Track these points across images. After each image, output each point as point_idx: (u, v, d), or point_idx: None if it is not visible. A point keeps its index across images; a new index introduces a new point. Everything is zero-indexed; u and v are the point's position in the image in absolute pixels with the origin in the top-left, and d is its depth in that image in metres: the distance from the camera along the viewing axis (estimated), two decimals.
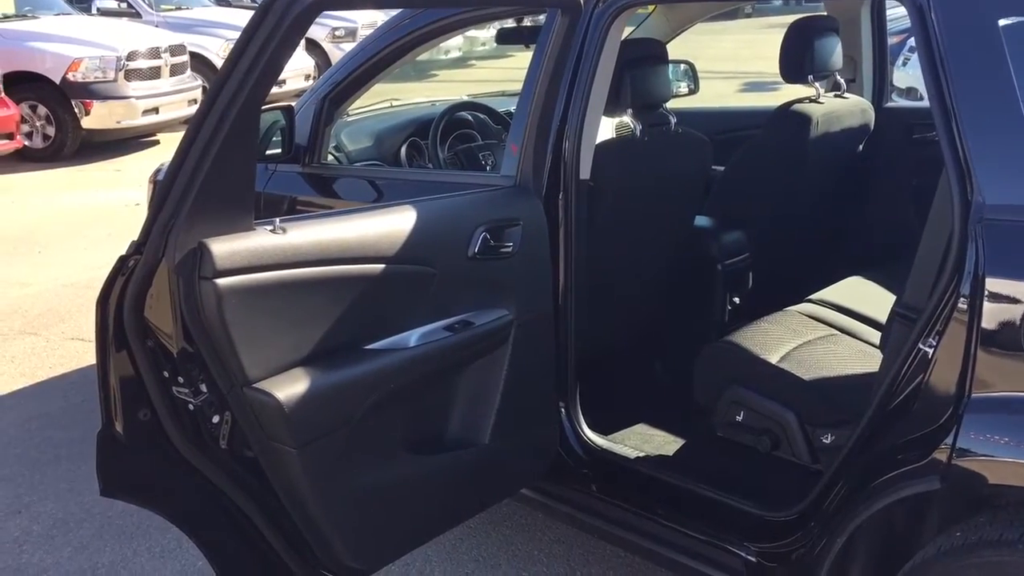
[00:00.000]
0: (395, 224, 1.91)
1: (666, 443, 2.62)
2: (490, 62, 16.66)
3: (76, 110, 8.89)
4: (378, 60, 2.87)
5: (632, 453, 2.46)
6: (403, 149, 3.24)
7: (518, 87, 4.42)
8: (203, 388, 1.72)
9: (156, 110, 9.44)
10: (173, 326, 1.66)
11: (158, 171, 3.76)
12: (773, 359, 2.36)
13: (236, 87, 1.62)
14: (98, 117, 8.99)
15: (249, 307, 1.65)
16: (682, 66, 3.89)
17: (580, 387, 2.48)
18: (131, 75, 9.22)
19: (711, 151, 2.81)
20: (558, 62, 2.21)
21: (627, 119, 2.57)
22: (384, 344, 1.89)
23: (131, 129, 9.40)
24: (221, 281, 1.62)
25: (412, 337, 1.94)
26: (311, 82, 10.35)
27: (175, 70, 9.85)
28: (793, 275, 3.18)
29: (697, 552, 2.21)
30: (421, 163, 3.27)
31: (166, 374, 1.73)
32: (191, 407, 1.73)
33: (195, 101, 10.12)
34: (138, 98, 9.20)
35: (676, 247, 2.89)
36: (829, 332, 2.54)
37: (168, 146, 9.64)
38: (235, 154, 1.65)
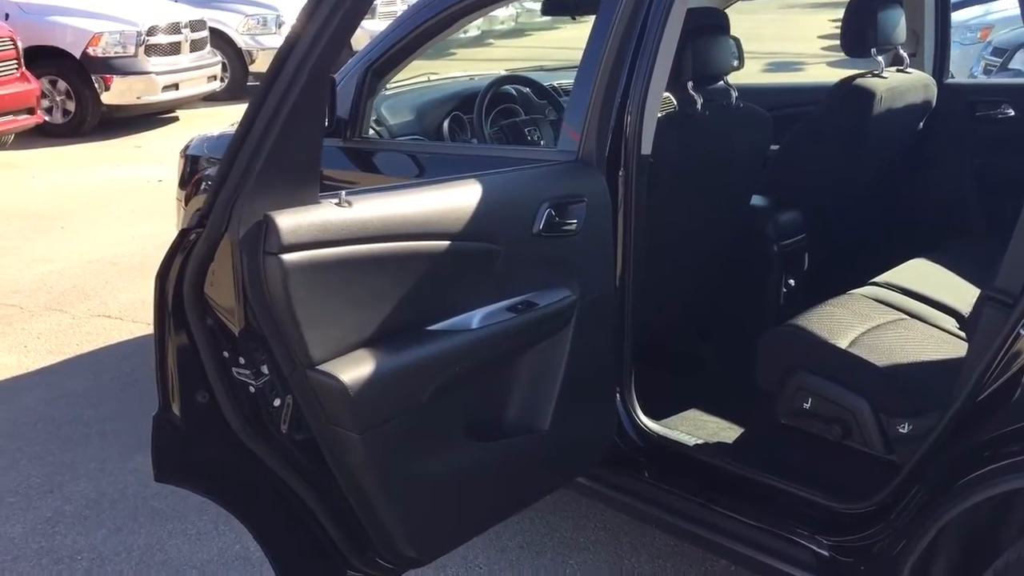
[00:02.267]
0: (460, 199, 1.82)
1: (723, 430, 2.52)
2: (509, 40, 16.48)
3: (96, 85, 8.82)
4: (425, 29, 2.76)
5: (689, 440, 2.37)
6: (446, 123, 3.13)
7: (548, 62, 4.37)
8: (264, 370, 1.63)
9: (176, 86, 9.37)
10: (235, 304, 1.57)
11: (188, 146, 3.67)
12: (842, 344, 2.26)
13: (304, 52, 1.52)
14: (118, 92, 8.91)
15: (314, 284, 1.56)
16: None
17: (634, 371, 2.39)
18: (151, 50, 9.13)
19: (771, 128, 2.70)
20: (627, 31, 2.10)
21: (689, 92, 2.45)
22: (447, 325, 1.80)
23: (151, 105, 9.33)
24: (287, 256, 1.52)
25: (475, 318, 1.84)
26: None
27: (195, 46, 9.76)
28: (850, 257, 3.08)
29: (761, 543, 2.12)
30: (464, 138, 3.17)
31: (226, 355, 1.64)
32: (252, 389, 1.64)
33: (215, 78, 10.04)
34: (158, 74, 9.12)
35: (732, 227, 2.79)
36: (898, 316, 2.43)
37: (188, 123, 9.56)
38: (303, 123, 1.55)
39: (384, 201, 1.70)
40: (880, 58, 2.90)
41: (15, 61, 7.94)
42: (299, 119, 1.55)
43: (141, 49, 9.07)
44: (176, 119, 9.90)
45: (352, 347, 1.64)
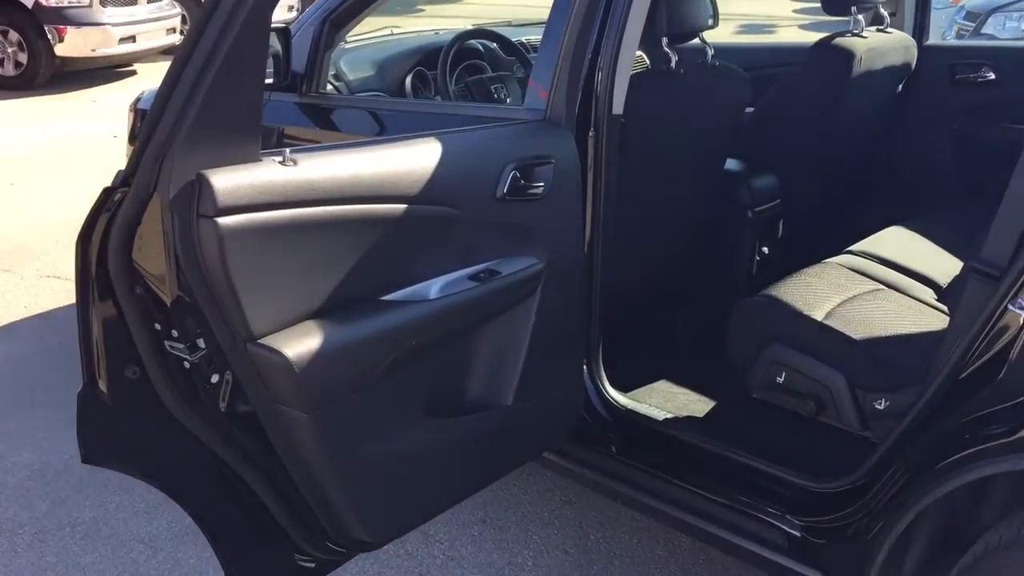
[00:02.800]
0: (418, 159, 1.69)
1: (694, 403, 2.44)
2: None
3: (49, 36, 8.51)
4: None
5: (658, 414, 2.28)
6: (408, 79, 2.98)
7: (523, 16, 4.21)
8: (200, 343, 1.50)
9: (133, 38, 9.05)
10: (166, 271, 1.43)
11: (139, 99, 3.49)
12: (818, 316, 2.17)
13: None
14: (72, 44, 8.60)
15: (255, 250, 1.43)
16: None
17: (602, 342, 2.29)
18: (107, 1, 8.81)
19: (749, 87, 2.58)
20: None
21: (664, 49, 2.32)
22: (404, 295, 1.68)
23: (107, 58, 9.02)
24: (223, 220, 1.39)
25: (434, 287, 1.72)
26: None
27: None
28: (826, 224, 2.99)
29: (731, 522, 2.04)
30: (427, 95, 3.02)
31: (158, 326, 1.51)
32: (186, 364, 1.51)
33: (174, 30, 9.72)
34: (114, 25, 8.80)
35: (705, 191, 2.68)
36: (875, 287, 2.35)
37: (145, 76, 9.26)
38: (241, 72, 1.41)
39: (334, 160, 1.57)
40: (860, 16, 2.79)
41: None
42: (236, 66, 1.40)
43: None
44: (134, 73, 9.60)
45: (297, 319, 1.52)
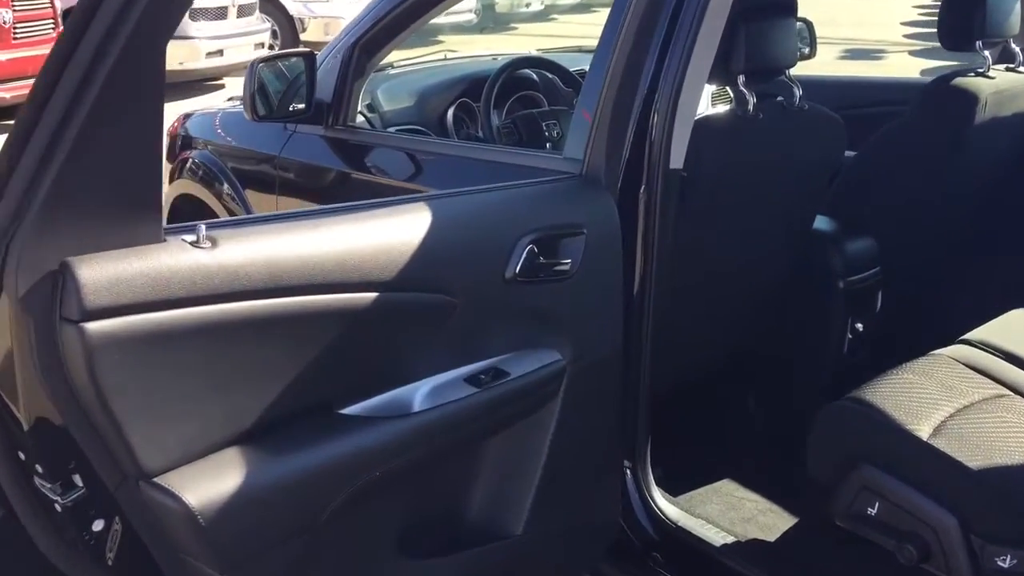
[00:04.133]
0: (398, 233, 1.33)
1: (762, 519, 2.01)
2: (576, 16, 15.87)
3: None
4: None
5: (716, 536, 1.86)
6: (450, 112, 2.63)
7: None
8: (77, 480, 1.16)
9: (221, 52, 9.02)
10: (22, 389, 1.09)
11: (187, 117, 3.23)
12: (924, 431, 1.71)
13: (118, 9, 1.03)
14: None
15: (144, 363, 1.08)
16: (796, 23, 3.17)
17: (652, 436, 1.88)
18: (195, 14, 8.79)
19: (844, 137, 2.14)
20: (649, 8, 1.58)
21: (740, 88, 1.91)
22: (373, 407, 1.31)
23: (194, 72, 8.98)
24: (94, 325, 1.03)
25: (418, 394, 1.35)
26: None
27: (243, 11, 9.40)
28: (934, 301, 2.51)
29: None
30: (472, 130, 2.66)
31: (23, 456, 1.17)
32: (58, 508, 1.17)
33: (262, 45, 9.67)
34: (201, 39, 8.77)
35: (787, 257, 2.25)
36: (998, 391, 1.87)
37: (234, 90, 9.20)
38: (125, 116, 1.06)
39: (273, 238, 1.21)
40: (987, 52, 2.32)
41: (51, 21, 7.63)
42: (116, 110, 1.05)
43: (186, 12, 8.73)
44: (222, 86, 9.56)
45: (209, 448, 1.16)
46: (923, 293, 2.48)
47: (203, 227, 1.14)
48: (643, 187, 1.71)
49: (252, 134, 2.74)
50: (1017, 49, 2.43)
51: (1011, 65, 2.42)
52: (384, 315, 1.29)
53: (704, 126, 1.80)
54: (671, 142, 1.70)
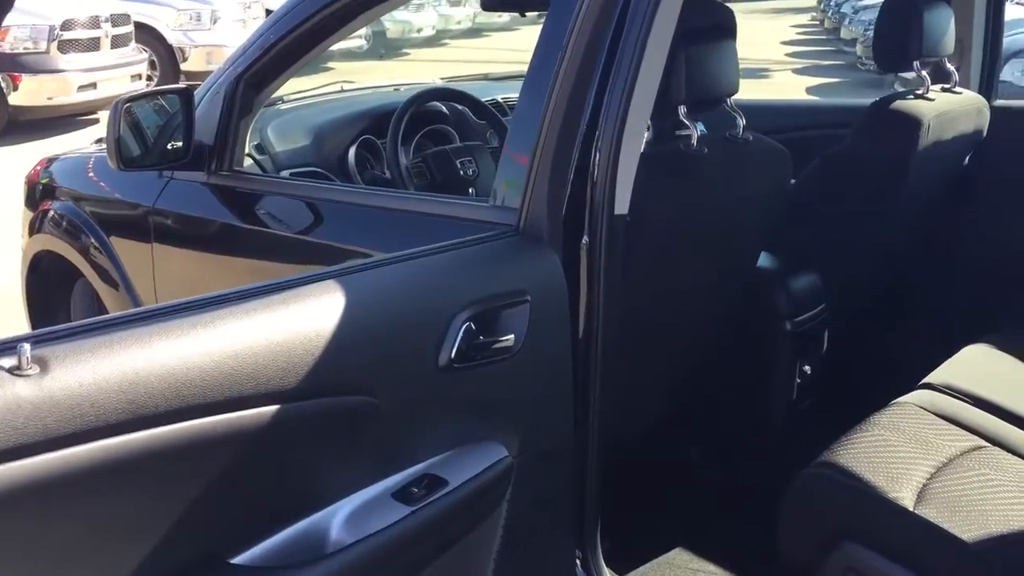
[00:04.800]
0: (296, 325, 1.06)
1: None
2: (468, 41, 15.75)
3: (3, 84, 7.94)
4: (316, 24, 1.99)
5: None
6: (352, 151, 2.36)
7: (499, 69, 3.62)
8: None
9: (94, 85, 8.48)
10: None
11: (51, 162, 2.86)
12: (907, 497, 1.53)
13: None
14: (27, 92, 8.07)
15: None
16: None
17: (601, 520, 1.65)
18: (66, 46, 8.27)
19: (790, 167, 1.96)
20: (592, 36, 1.37)
21: (682, 119, 1.71)
22: (276, 550, 1.03)
23: (64, 107, 8.43)
24: None
25: (335, 522, 1.09)
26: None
27: (117, 42, 8.88)
28: (881, 336, 2.37)
29: None
30: (378, 171, 2.40)
31: None
32: None
33: (139, 76, 9.17)
34: (73, 72, 8.24)
35: (734, 299, 2.06)
36: (974, 443, 1.71)
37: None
38: None
39: (124, 352, 0.92)
40: (924, 73, 2.19)
41: None
42: None
43: (54, 45, 8.23)
44: (96, 121, 9.00)
45: None
46: (870, 329, 2.34)
47: (26, 347, 0.85)
48: (585, 237, 1.48)
49: (123, 182, 2.41)
50: (952, 68, 2.31)
51: (946, 85, 2.31)
52: (285, 432, 1.02)
53: (647, 165, 1.59)
54: (615, 185, 1.48)
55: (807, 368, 2.18)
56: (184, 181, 2.20)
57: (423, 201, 1.82)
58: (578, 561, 1.62)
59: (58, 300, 2.90)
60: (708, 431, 2.27)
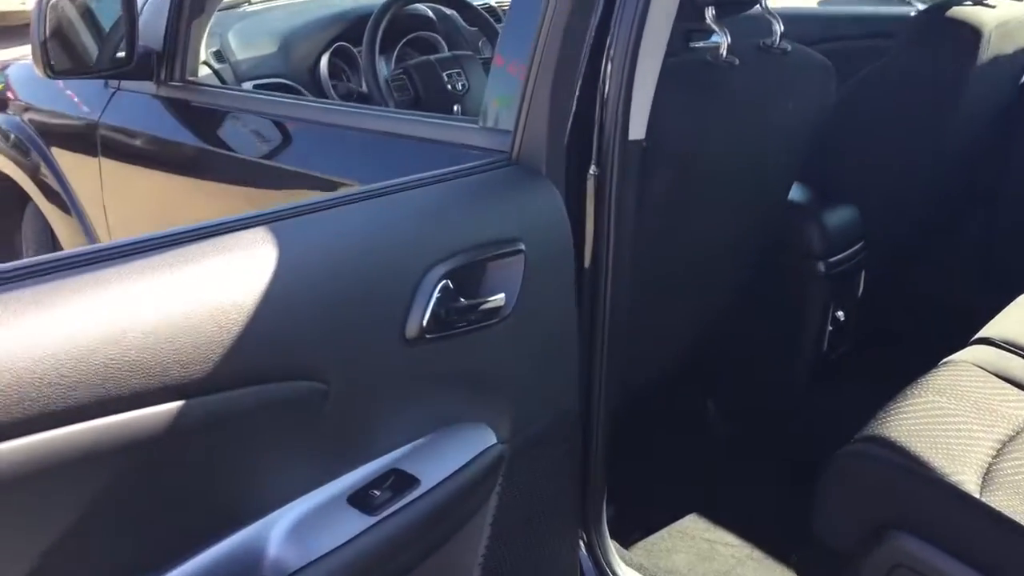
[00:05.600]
0: (206, 294, 0.79)
1: (746, 566, 1.59)
2: None
3: None
4: None
5: None
6: (324, 60, 2.06)
7: None
8: None
9: None
10: None
11: (6, 66, 2.56)
12: (971, 481, 1.29)
13: None
14: None
15: None
16: None
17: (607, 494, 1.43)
18: None
19: (833, 84, 1.68)
20: None
21: (709, 25, 1.41)
22: (198, 567, 0.79)
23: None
24: None
25: (272, 539, 0.84)
26: None
27: None
28: (926, 278, 2.11)
29: None
30: (354, 83, 2.10)
31: None
32: None
33: None
34: None
35: (761, 236, 1.80)
36: None
37: None
38: None
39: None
40: None
41: None
42: None
43: None
44: None
45: None
46: (911, 272, 2.08)
47: None
48: (593, 167, 1.22)
49: (68, 94, 2.13)
50: None
51: None
52: (194, 433, 0.77)
53: (668, 79, 1.31)
54: (631, 103, 1.21)
55: (840, 314, 1.94)
56: (132, 92, 1.92)
57: (401, 121, 1.53)
58: (583, 543, 1.40)
59: (10, 224, 2.63)
60: (726, 383, 2.03)
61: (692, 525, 1.79)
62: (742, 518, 1.79)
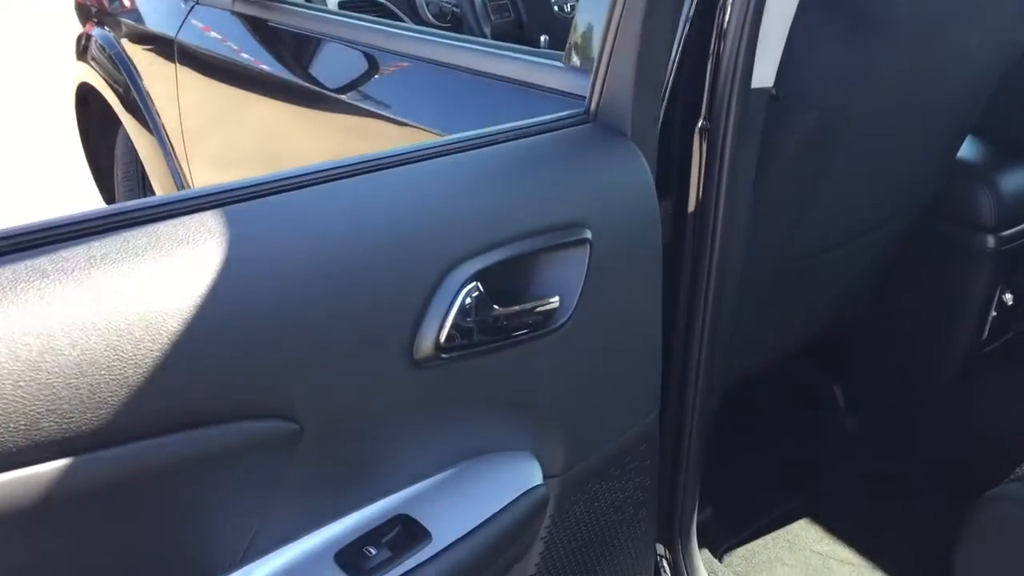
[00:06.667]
0: (138, 304, 0.59)
1: None
2: None
3: None
4: None
5: None
6: None
7: None
8: None
9: None
10: None
11: None
12: None
13: None
14: None
15: None
16: None
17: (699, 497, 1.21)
18: None
19: None
20: None
21: None
22: None
23: None
24: None
25: None
26: None
27: None
28: None
29: None
30: (450, 3, 1.86)
31: None
32: None
33: None
34: None
35: (921, 200, 1.49)
36: None
37: None
38: None
39: None
40: None
41: None
42: None
43: None
44: None
45: None
46: None
47: None
48: (702, 119, 0.96)
49: (151, 7, 1.99)
50: None
51: None
52: (128, 480, 0.58)
53: (811, 8, 1.02)
54: (756, 40, 0.94)
55: (1008, 297, 1.61)
56: (209, 7, 1.75)
57: (480, 54, 1.27)
58: (664, 562, 1.19)
59: (107, 143, 2.56)
60: (859, 368, 1.75)
61: (802, 534, 1.55)
62: (863, 529, 1.53)
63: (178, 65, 1.84)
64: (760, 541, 1.52)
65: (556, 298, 0.77)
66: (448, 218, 0.73)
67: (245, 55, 1.70)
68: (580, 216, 0.79)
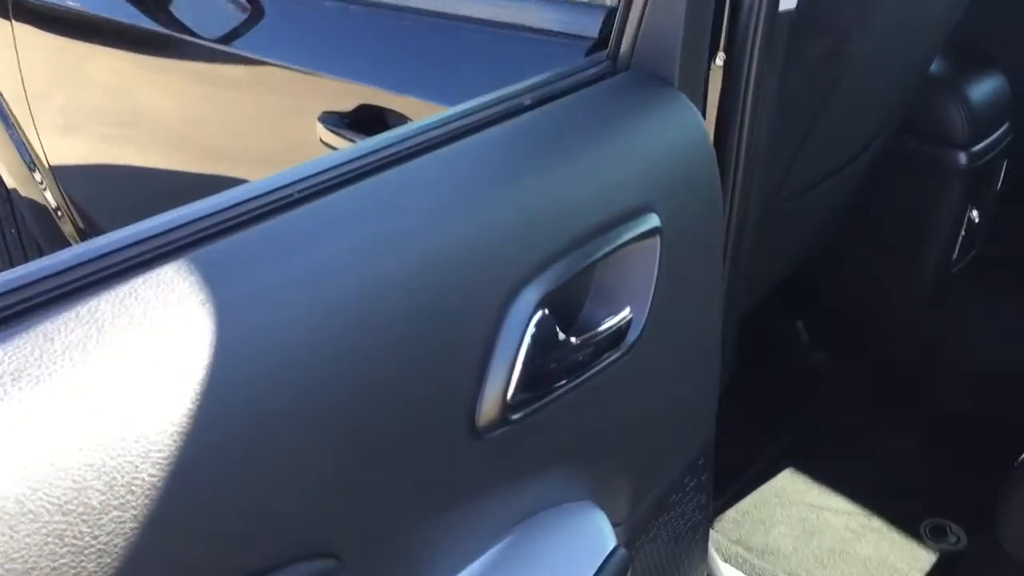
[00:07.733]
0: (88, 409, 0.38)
1: (859, 551, 1.28)
2: None
3: None
4: None
5: None
6: None
7: None
8: None
9: None
10: None
11: None
12: None
13: None
14: None
15: None
16: None
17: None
18: None
19: None
20: None
21: None
22: None
23: None
24: None
25: None
26: None
27: None
28: None
29: None
30: None
31: None
32: None
33: None
34: None
35: (896, 117, 1.38)
36: None
37: None
38: None
39: None
40: None
41: None
42: None
43: None
44: None
45: None
46: None
47: None
48: (720, 54, 0.79)
49: None
50: None
51: None
52: None
53: None
54: None
55: (975, 214, 1.53)
56: None
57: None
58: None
59: None
60: (822, 304, 1.65)
61: (789, 487, 1.45)
62: (854, 475, 1.44)
63: (14, 22, 1.52)
64: (749, 500, 1.42)
65: (627, 309, 0.59)
66: (491, 226, 0.52)
67: (89, 7, 1.39)
68: (646, 199, 0.60)
